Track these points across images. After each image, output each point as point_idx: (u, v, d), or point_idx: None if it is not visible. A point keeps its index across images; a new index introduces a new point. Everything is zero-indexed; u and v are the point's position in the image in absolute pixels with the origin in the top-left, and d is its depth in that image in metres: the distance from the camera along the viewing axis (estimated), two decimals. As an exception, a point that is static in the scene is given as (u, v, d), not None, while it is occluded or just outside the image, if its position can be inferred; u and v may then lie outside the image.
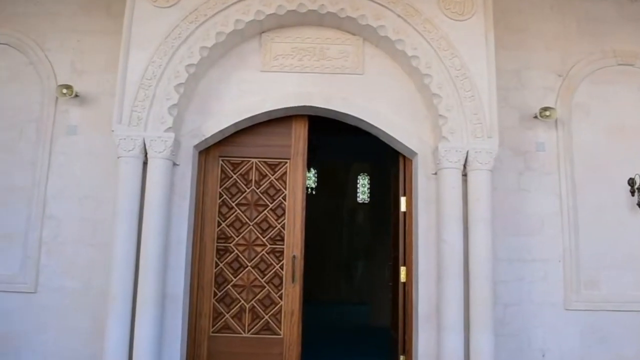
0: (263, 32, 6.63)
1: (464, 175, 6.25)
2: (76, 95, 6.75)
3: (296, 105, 6.53)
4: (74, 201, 6.68)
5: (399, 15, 6.32)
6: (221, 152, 6.74)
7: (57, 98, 6.82)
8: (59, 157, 6.78)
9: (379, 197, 14.95)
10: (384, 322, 12.26)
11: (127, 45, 6.24)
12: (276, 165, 6.76)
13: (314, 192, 20.95)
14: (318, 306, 16.75)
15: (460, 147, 6.15)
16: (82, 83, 6.86)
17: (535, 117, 6.89)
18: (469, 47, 6.31)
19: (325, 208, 21.18)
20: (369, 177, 21.03)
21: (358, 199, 22.20)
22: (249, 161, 6.76)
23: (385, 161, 12.36)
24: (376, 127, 6.54)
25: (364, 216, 21.24)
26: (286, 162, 6.75)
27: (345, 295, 20.89)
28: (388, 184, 12.84)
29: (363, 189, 22.06)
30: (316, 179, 20.97)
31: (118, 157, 6.09)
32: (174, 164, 6.26)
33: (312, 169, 20.03)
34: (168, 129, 6.10)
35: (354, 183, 22.13)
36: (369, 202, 20.51)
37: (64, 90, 6.69)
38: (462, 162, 6.18)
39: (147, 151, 6.08)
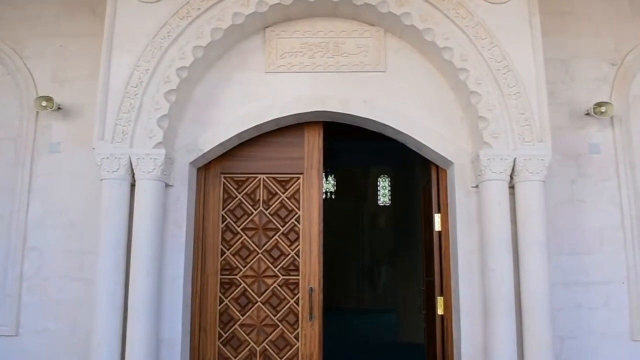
0: (267, 27, 5.53)
1: (511, 187, 5.10)
2: (59, 108, 5.72)
3: (308, 110, 5.43)
4: (58, 230, 5.65)
5: (425, 0, 5.20)
6: (223, 168, 5.67)
7: (37, 112, 5.84)
8: (40, 180, 5.75)
9: (402, 200, 14.03)
10: (413, 336, 11.35)
11: (109, 48, 5.18)
12: (287, 181, 5.67)
13: (333, 197, 20.04)
14: (340, 315, 15.79)
15: (506, 154, 5.00)
16: (65, 93, 5.84)
17: (588, 114, 5.71)
18: (510, 35, 5.14)
19: (345, 212, 20.23)
20: (389, 179, 20.06)
21: (379, 201, 21.19)
22: (256, 177, 5.68)
23: (409, 163, 11.61)
24: (403, 134, 5.41)
25: (386, 220, 20.24)
26: (299, 178, 5.65)
27: (370, 302, 19.96)
28: (411, 186, 11.78)
29: (384, 191, 21.06)
30: (335, 183, 20.07)
31: (101, 180, 5.03)
32: (167, 185, 5.20)
33: (330, 176, 19.06)
34: (158, 144, 5.04)
35: (374, 185, 21.14)
36: (391, 204, 19.54)
37: (44, 103, 5.65)
38: (509, 172, 5.02)
39: (134, 171, 5.03)
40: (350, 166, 17.23)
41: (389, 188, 20.09)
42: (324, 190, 15.58)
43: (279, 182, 5.67)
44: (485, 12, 5.18)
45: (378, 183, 20.88)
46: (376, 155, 13.58)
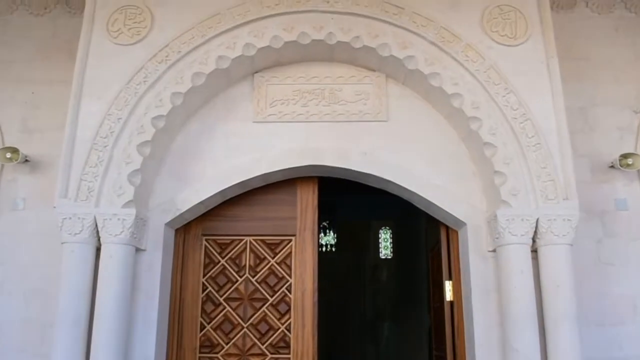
0: (256, 72, 4.89)
1: (534, 251, 4.35)
2: (26, 160, 5.06)
3: (302, 165, 4.74)
4: (18, 296, 4.89)
5: (431, 42, 4.55)
6: (204, 229, 4.92)
7: (2, 165, 5.16)
8: (1, 239, 5.03)
9: (404, 253, 13.31)
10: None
11: (78, 94, 4.53)
12: (277, 244, 4.91)
13: (333, 249, 19.27)
14: (340, 372, 14.81)
15: (528, 215, 4.27)
16: (35, 144, 5.20)
17: (612, 166, 5.05)
18: (526, 80, 4.49)
19: (346, 265, 19.40)
20: (391, 231, 19.34)
21: (380, 254, 20.38)
22: (242, 240, 4.92)
23: (412, 215, 10.93)
24: (408, 190, 4.68)
25: (388, 273, 19.38)
26: (290, 240, 4.89)
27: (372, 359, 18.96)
28: (414, 239, 11.11)
29: (385, 243, 20.28)
30: (335, 236, 19.33)
31: (62, 243, 4.30)
32: (138, 250, 4.45)
33: (329, 232, 18.41)
34: (128, 203, 4.31)
35: (375, 238, 20.38)
36: (393, 257, 18.76)
37: (9, 155, 5.00)
38: (531, 235, 4.28)
39: (100, 234, 4.30)
40: (350, 220, 16.56)
41: (391, 240, 19.35)
42: (323, 243, 14.91)
43: (268, 245, 4.91)
44: (497, 55, 4.54)
45: (379, 235, 20.12)
46: (377, 209, 12.98)
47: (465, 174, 4.72)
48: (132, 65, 4.54)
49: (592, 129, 5.28)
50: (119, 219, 4.28)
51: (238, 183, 4.72)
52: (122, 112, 4.44)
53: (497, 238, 4.36)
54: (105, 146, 4.38)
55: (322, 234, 14.14)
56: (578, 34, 5.48)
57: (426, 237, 7.33)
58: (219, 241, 4.93)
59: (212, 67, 4.55)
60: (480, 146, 4.46)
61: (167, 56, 4.54)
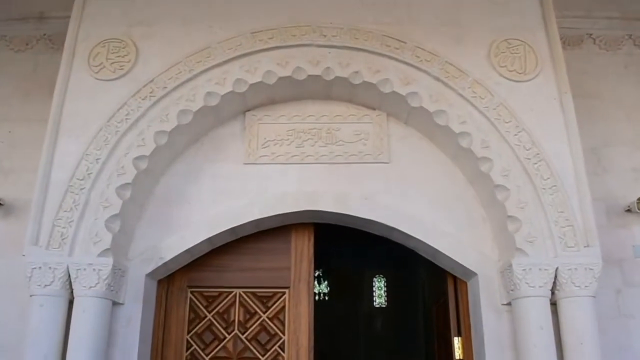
0: (247, 111, 4.53)
1: (553, 304, 3.92)
2: (-1, 204, 4.76)
3: (296, 210, 4.32)
4: (-16, 354, 4.41)
5: (436, 78, 4.22)
6: (190, 280, 4.45)
7: (-28, 210, 4.77)
8: (-34, 292, 4.56)
9: (400, 302, 12.82)
10: None
11: (54, 132, 4.15)
12: (269, 297, 4.44)
13: (326, 298, 18.65)
14: None
15: (546, 264, 3.84)
16: (9, 186, 4.79)
17: (629, 210, 4.68)
18: (539, 118, 4.14)
19: (340, 314, 18.75)
20: (385, 279, 18.80)
21: (374, 303, 19.76)
22: (231, 292, 4.45)
23: (406, 263, 10.55)
24: (414, 238, 4.26)
25: (384, 322, 18.76)
26: (284, 293, 4.42)
27: (369, 419, 18.11)
28: (410, 287, 10.68)
29: (379, 292, 19.69)
30: (327, 284, 18.73)
31: (30, 296, 3.83)
32: (115, 303, 3.98)
33: (323, 282, 17.87)
34: (104, 252, 3.86)
35: (369, 285, 19.80)
36: (387, 306, 18.17)
37: (-22, 199, 4.66)
38: (550, 286, 3.85)
39: (73, 286, 3.85)
40: (342, 268, 16.08)
41: (385, 289, 18.79)
42: (316, 292, 14.34)
43: (259, 298, 4.44)
44: (507, 92, 4.21)
45: (373, 283, 19.56)
46: (370, 256, 12.59)
47: (475, 220, 4.31)
48: (114, 102, 4.17)
49: (606, 170, 4.91)
50: (94, 269, 3.82)
51: (227, 230, 4.28)
52: (101, 152, 4.04)
53: (512, 290, 3.92)
54: (82, 189, 3.97)
55: (315, 283, 13.66)
56: (586, 71, 5.17)
57: (429, 287, 6.88)
58: (205, 294, 4.45)
59: (200, 104, 4.18)
60: (491, 189, 4.07)
61: (151, 92, 4.18)
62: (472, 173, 4.26)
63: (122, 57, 4.31)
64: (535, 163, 4.04)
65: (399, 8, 4.43)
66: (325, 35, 4.31)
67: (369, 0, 4.45)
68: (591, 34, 5.27)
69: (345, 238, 5.69)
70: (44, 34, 5.27)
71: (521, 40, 4.37)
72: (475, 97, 4.20)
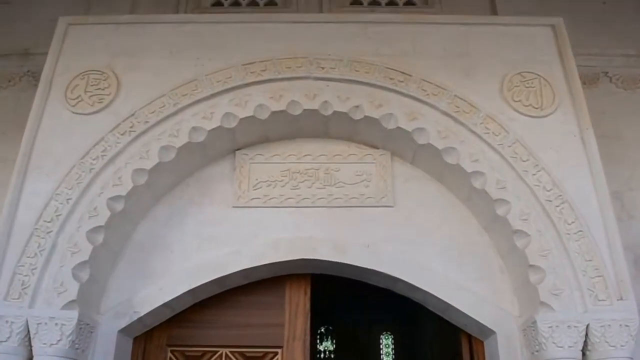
0: (238, 150, 4.12)
1: (583, 366, 3.42)
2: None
3: (291, 259, 3.84)
4: None
5: (445, 113, 3.83)
6: (170, 337, 3.90)
7: None
8: None
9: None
10: None
11: (23, 170, 3.71)
12: (260, 358, 3.87)
13: (332, 356, 17.65)
14: None
15: (575, 320, 3.31)
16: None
17: (659, 258, 4.19)
18: (559, 155, 3.73)
19: (345, 374, 17.80)
20: (392, 336, 17.87)
21: (382, 361, 18.76)
22: (216, 352, 3.89)
23: (415, 317, 9.89)
24: (421, 290, 3.75)
25: (392, 381, 17.78)
26: (276, 353, 3.86)
27: None
28: (418, 345, 9.99)
29: (387, 349, 18.68)
30: (333, 340, 17.80)
31: (-19, 355, 3.38)
32: (81, 364, 3.51)
33: (327, 338, 17.01)
34: (69, 304, 3.35)
35: (376, 343, 18.81)
36: (396, 365, 17.23)
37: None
38: (581, 346, 3.30)
39: (32, 342, 3.31)
40: (349, 324, 15.29)
41: (392, 347, 17.85)
42: (321, 349, 13.55)
43: (248, 359, 3.87)
44: (522, 128, 3.80)
45: (380, 341, 18.61)
46: (378, 312, 11.92)
47: (491, 270, 3.81)
48: (90, 137, 3.76)
49: (632, 216, 4.42)
50: (56, 324, 3.30)
51: (213, 280, 3.78)
52: (73, 192, 3.59)
53: (537, 351, 3.38)
54: (49, 232, 3.49)
55: (319, 341, 12.91)
56: (604, 110, 4.76)
57: (440, 346, 6.27)
58: (187, 353, 3.89)
59: (184, 139, 3.77)
60: (509, 235, 3.60)
61: (131, 127, 3.79)
62: (487, 217, 3.80)
63: (102, 89, 3.93)
64: (558, 205, 3.59)
65: (403, 39, 4.09)
66: (323, 68, 3.95)
67: (371, 31, 4.11)
68: (607, 72, 4.91)
69: (350, 290, 5.16)
70: (28, 71, 4.92)
71: (536, 74, 4.00)
72: (488, 133, 3.79)
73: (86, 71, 4.02)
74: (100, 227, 3.56)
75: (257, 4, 5.18)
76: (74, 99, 3.91)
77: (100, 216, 3.57)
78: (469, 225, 3.95)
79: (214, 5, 5.17)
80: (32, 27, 5.01)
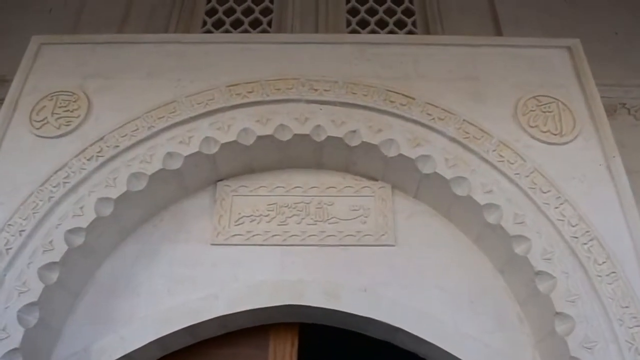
0: (220, 180, 3.63)
1: None
2: None
3: (275, 304, 3.25)
4: None
5: (452, 139, 3.35)
6: (133, 397, 3.37)
7: None
8: None
9: None
10: None
11: (-26, 199, 3.27)
12: None
13: None
14: None
15: (613, 379, 2.79)
16: None
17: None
18: (583, 186, 3.24)
19: None
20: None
21: None
22: (187, 417, 3.31)
23: None
24: (426, 342, 3.13)
25: None
26: (257, 418, 3.27)
27: None
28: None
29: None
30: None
31: None
32: None
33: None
34: (10, 353, 2.78)
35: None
36: None
37: None
38: (622, 412, 2.81)
39: (-41, 405, 2.78)
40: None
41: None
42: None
43: None
44: (541, 156, 3.31)
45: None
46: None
47: (509, 320, 3.21)
48: (53, 163, 3.29)
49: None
50: (-10, 379, 2.81)
51: (184, 329, 3.18)
52: (28, 223, 3.09)
53: (569, 418, 2.82)
54: (-6, 268, 3.05)
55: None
56: (623, 144, 4.20)
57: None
58: (152, 417, 3.32)
59: (157, 166, 3.29)
60: (530, 278, 3.04)
61: (99, 151, 3.32)
62: (503, 258, 3.24)
63: (71, 111, 3.50)
64: (585, 243, 3.05)
65: (405, 61, 3.67)
66: (316, 90, 3.51)
67: (369, 52, 3.69)
68: (625, 104, 4.44)
69: (343, 342, 4.51)
70: (1, 99, 4.60)
71: (553, 98, 3.55)
72: (502, 161, 3.30)
73: (55, 92, 3.60)
74: (54, 263, 3.03)
75: (249, 31, 4.78)
76: (39, 122, 3.47)
77: (55, 251, 3.05)
78: (482, 267, 3.37)
79: (203, 27, 4.79)
80: (12, 52, 4.65)
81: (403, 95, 3.50)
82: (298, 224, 3.50)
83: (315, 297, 3.28)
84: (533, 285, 3.06)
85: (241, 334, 3.40)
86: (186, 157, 3.35)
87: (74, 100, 3.56)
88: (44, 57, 3.78)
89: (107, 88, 3.61)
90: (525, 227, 3.11)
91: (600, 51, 4.67)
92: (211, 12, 4.91)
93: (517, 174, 3.26)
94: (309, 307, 3.27)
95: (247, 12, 4.93)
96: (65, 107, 3.54)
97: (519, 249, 3.10)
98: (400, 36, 4.28)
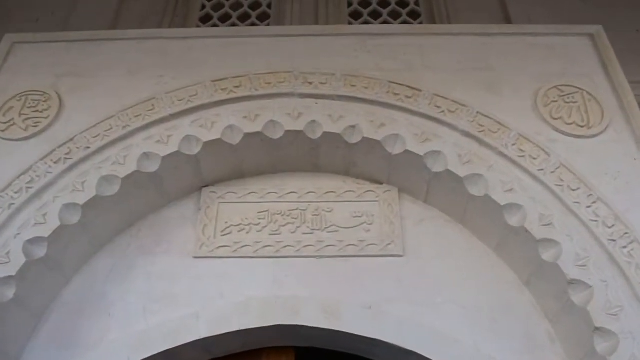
0: (205, 187, 3.19)
1: None
2: None
3: (266, 325, 2.75)
4: None
5: (465, 134, 2.89)
6: None
7: None
8: None
9: None
10: None
11: None
12: None
13: None
14: None
15: (667, 409, 2.23)
16: None
17: None
18: (617, 183, 2.74)
19: None
20: None
21: None
22: None
23: None
24: None
25: None
26: None
27: None
28: None
29: None
30: None
31: None
32: None
33: None
34: (-49, 383, 2.53)
35: None
36: None
37: None
38: None
39: None
40: None
41: None
42: None
43: None
44: (567, 150, 2.83)
45: None
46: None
47: (537, 339, 2.68)
48: (17, 166, 2.85)
49: None
50: None
51: (161, 354, 2.69)
52: (-17, 233, 2.77)
53: None
54: (-59, 284, 2.62)
55: None
56: None
57: None
58: None
59: (131, 168, 2.85)
60: (562, 288, 2.54)
61: (68, 153, 2.89)
62: (529, 267, 2.74)
63: (40, 112, 3.08)
64: (625, 246, 2.54)
65: (409, 52, 3.22)
66: (311, 83, 3.07)
67: (370, 44, 3.26)
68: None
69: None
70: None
71: (577, 87, 3.08)
72: (523, 156, 2.82)
73: (25, 92, 3.18)
74: (10, 277, 2.56)
75: (249, 17, 4.39)
76: (5, 123, 3.05)
77: (12, 264, 2.59)
78: (504, 278, 2.86)
79: (202, 19, 4.43)
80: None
81: (408, 87, 3.04)
82: (293, 233, 3.02)
83: (312, 315, 2.77)
84: (566, 298, 2.55)
85: (227, 359, 2.92)
86: (164, 157, 2.90)
87: (44, 100, 3.14)
88: (16, 57, 3.38)
89: (81, 87, 3.20)
90: (554, 230, 2.62)
91: (621, 49, 4.27)
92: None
93: (541, 169, 2.78)
94: (305, 327, 2.75)
95: (237, 6, 4.51)
96: (34, 107, 3.12)
97: (547, 255, 2.61)
98: (405, 26, 3.85)
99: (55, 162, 2.89)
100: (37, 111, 3.11)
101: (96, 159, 2.90)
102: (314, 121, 2.98)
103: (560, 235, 2.60)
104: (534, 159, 2.82)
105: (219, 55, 3.29)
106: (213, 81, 3.11)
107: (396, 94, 3.03)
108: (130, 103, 3.07)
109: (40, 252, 2.69)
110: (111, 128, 2.97)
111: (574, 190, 2.72)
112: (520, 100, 3.05)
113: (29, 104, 3.15)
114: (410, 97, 3.02)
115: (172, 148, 2.91)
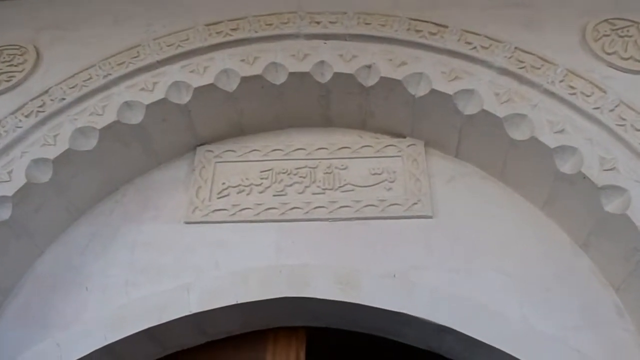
0: (200, 145, 2.71)
1: None
2: None
3: (270, 297, 2.21)
4: None
5: (502, 71, 2.36)
6: None
7: None
8: None
9: None
10: None
11: None
12: None
13: None
14: None
15: None
16: None
17: None
18: (686, 123, 2.23)
19: None
20: None
21: None
22: None
23: None
24: (485, 346, 2.03)
25: None
26: None
27: None
28: None
29: None
30: None
31: None
32: None
33: None
34: None
35: None
36: None
37: None
38: None
39: None
40: None
41: None
42: None
43: None
44: (625, 86, 2.29)
45: None
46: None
47: (601, 311, 2.12)
48: (-13, 122, 2.50)
49: None
50: None
51: (143, 332, 2.18)
52: (-61, 194, 2.31)
53: None
54: None
55: None
56: None
57: None
58: None
59: (110, 118, 2.39)
60: (632, 247, 1.98)
61: (41, 106, 2.44)
62: (587, 225, 2.18)
63: (15, 65, 2.67)
64: None
65: (433, -12, 2.79)
66: (318, 22, 2.58)
67: (387, -19, 2.84)
68: None
69: (366, 350, 3.29)
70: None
71: (631, 20, 2.54)
72: (574, 94, 2.28)
73: (2, 46, 2.80)
74: (-34, 244, 2.17)
75: None
76: (-24, 80, 2.69)
77: (-31, 228, 2.20)
78: (556, 240, 2.30)
79: None
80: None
81: (433, 23, 2.54)
82: (300, 193, 2.51)
83: (324, 286, 2.24)
84: (637, 258, 2.00)
85: (228, 342, 2.36)
86: (149, 106, 2.44)
87: (20, 54, 2.73)
88: (-7, 11, 3.02)
89: (62, 39, 2.78)
90: (619, 175, 2.06)
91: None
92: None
93: (597, 107, 2.23)
94: (317, 300, 2.22)
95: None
96: (9, 61, 2.71)
97: (611, 206, 2.05)
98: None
99: (26, 116, 2.44)
100: (11, 65, 2.70)
101: (72, 111, 2.45)
102: (322, 62, 2.48)
103: (627, 181, 2.05)
104: (587, 96, 2.28)
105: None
106: (207, 25, 2.63)
107: (418, 31, 2.52)
108: (114, 52, 2.63)
109: (4, 214, 2.23)
110: (90, 78, 2.52)
111: (638, 130, 2.18)
112: (566, 35, 2.53)
113: (3, 58, 2.74)
114: (435, 34, 2.51)
115: (157, 95, 2.45)
